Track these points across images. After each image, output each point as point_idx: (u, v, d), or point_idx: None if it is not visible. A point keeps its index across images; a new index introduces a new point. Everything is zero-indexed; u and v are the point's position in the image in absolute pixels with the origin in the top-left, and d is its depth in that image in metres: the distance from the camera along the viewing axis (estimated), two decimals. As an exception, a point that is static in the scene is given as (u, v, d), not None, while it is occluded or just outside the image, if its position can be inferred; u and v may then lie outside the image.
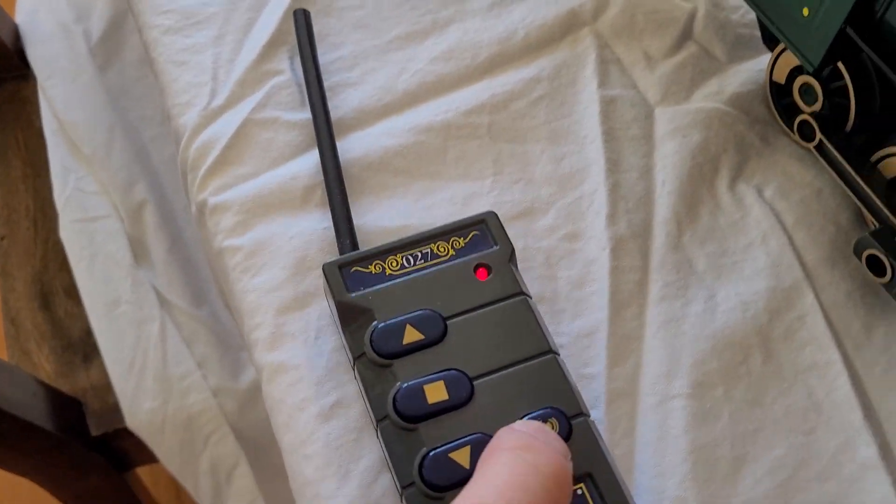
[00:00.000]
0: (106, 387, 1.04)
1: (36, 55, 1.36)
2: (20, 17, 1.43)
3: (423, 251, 0.44)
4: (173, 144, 0.57)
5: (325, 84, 0.55)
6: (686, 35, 0.59)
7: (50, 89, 1.31)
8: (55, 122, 1.29)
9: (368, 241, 0.49)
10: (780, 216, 0.52)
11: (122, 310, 1.08)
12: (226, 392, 0.98)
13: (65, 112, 1.29)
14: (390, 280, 0.43)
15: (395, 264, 0.44)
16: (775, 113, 0.55)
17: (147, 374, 1.03)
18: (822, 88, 0.50)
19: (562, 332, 0.47)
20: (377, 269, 0.44)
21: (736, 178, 0.54)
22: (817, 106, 0.51)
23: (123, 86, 1.34)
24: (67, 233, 1.16)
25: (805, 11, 0.45)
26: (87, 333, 1.09)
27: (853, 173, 0.49)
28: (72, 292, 1.14)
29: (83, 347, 1.12)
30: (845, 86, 0.49)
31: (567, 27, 0.59)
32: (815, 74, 0.48)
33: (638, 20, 0.60)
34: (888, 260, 0.46)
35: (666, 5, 0.60)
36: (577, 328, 0.48)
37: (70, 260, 1.14)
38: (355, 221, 0.49)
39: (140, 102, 1.31)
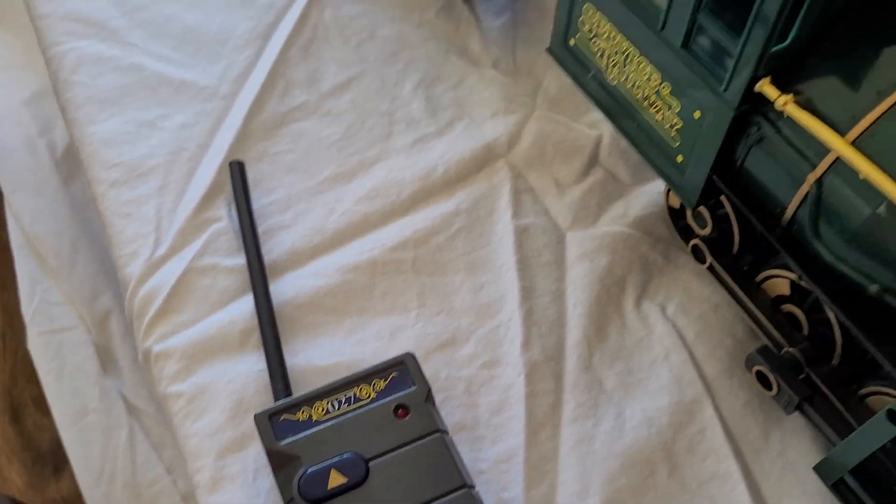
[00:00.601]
0: (76, 497, 1.05)
1: (1, 169, 1.40)
2: (-15, 132, 1.47)
3: (347, 395, 0.48)
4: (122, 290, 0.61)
5: (260, 228, 0.60)
6: (592, 161, 0.65)
7: (16, 203, 1.35)
8: (21, 236, 1.33)
9: (302, 379, 0.53)
10: (681, 332, 0.57)
11: (90, 419, 1.11)
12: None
13: (31, 225, 1.32)
14: (316, 426, 0.47)
15: (320, 410, 0.48)
16: (675, 233, 0.60)
17: (117, 482, 1.05)
18: (711, 215, 0.55)
19: (482, 458, 0.51)
20: (304, 415, 0.48)
21: (641, 296, 0.58)
22: (707, 230, 0.56)
23: (87, 197, 1.38)
24: (35, 345, 1.18)
25: (679, 158, 0.50)
26: (58, 445, 1.11)
27: (741, 292, 0.54)
28: (41, 404, 1.16)
29: (53, 459, 1.14)
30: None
31: (483, 160, 0.64)
32: (695, 210, 0.53)
33: (548, 150, 0.65)
34: (773, 375, 0.51)
35: (573, 134, 0.66)
36: (496, 453, 0.51)
37: (38, 372, 1.17)
38: (289, 361, 0.53)
39: (104, 211, 1.34)
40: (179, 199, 0.62)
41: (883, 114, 0.40)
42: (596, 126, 0.66)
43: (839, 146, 0.40)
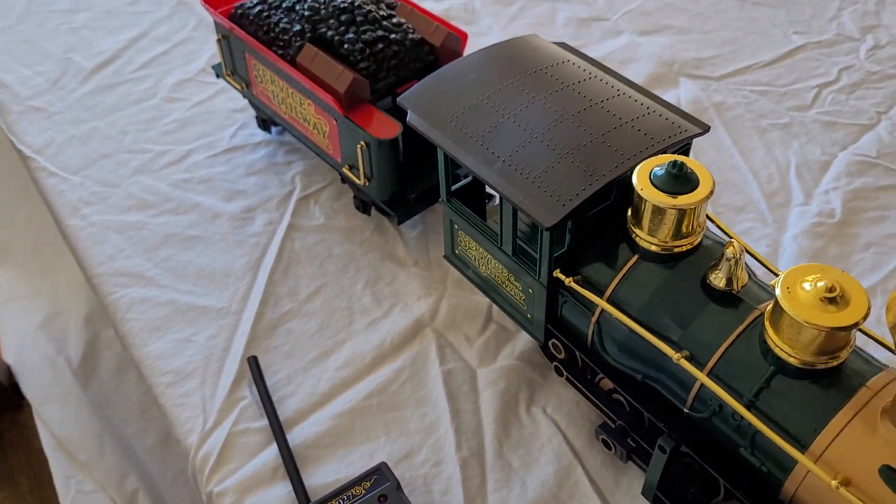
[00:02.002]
0: None
1: (29, 387, 1.67)
2: (10, 358, 1.75)
3: (347, 494, 0.77)
4: (178, 459, 0.89)
5: (274, 398, 0.90)
6: (488, 320, 0.97)
7: (45, 413, 1.61)
8: (53, 440, 1.59)
9: (316, 492, 0.82)
10: (557, 423, 0.87)
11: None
12: None
13: (60, 429, 1.59)
14: (332, 517, 0.76)
15: (332, 506, 0.77)
16: (546, 359, 0.92)
17: None
18: (563, 345, 0.87)
19: (439, 524, 0.80)
20: (322, 511, 0.76)
21: (529, 404, 0.89)
22: (562, 355, 0.87)
23: (104, 395, 1.65)
24: (76, 531, 1.42)
25: (529, 315, 0.83)
26: None
27: (587, 391, 0.85)
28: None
29: None
30: (570, 343, 0.86)
31: (416, 330, 0.96)
32: (546, 345, 0.85)
33: (458, 317, 0.97)
34: (611, 441, 0.81)
35: (473, 304, 0.98)
36: (448, 519, 0.80)
37: (81, 555, 1.40)
38: (306, 482, 0.82)
39: (120, 407, 1.61)
40: (215, 388, 0.92)
41: (620, 280, 0.73)
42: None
43: (601, 302, 0.73)
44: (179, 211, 1.12)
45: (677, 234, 0.72)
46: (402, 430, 0.88)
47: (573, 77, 0.82)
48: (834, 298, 0.62)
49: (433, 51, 1.02)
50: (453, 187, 0.85)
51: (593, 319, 0.76)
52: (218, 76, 1.20)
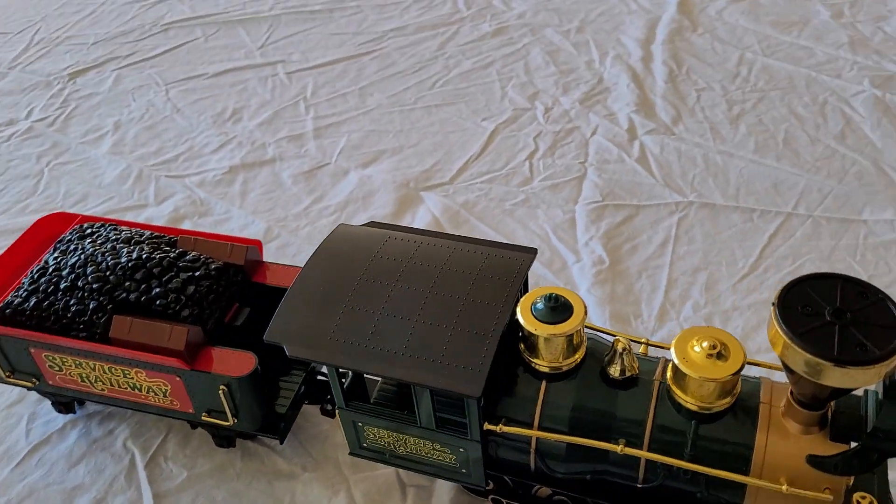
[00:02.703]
0: None
1: None
2: None
3: None
4: None
5: None
6: (403, 485, 1.01)
7: None
8: None
9: None
10: None
11: None
12: None
13: None
14: None
15: None
16: (474, 496, 0.98)
17: None
18: (497, 480, 0.94)
19: None
20: None
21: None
22: (491, 486, 0.94)
23: None
24: None
25: (464, 471, 0.89)
26: None
27: (530, 507, 0.93)
28: None
29: None
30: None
31: (346, 532, 0.97)
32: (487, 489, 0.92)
33: (376, 497, 1.00)
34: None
35: (381, 478, 1.01)
36: None
37: None
38: None
39: None
40: None
41: (541, 407, 0.82)
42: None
43: (534, 433, 0.82)
44: (24, 538, 0.99)
45: (570, 351, 0.83)
46: None
47: (406, 252, 0.90)
48: (719, 353, 0.77)
49: (239, 269, 1.03)
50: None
51: (532, 449, 0.85)
52: (-6, 381, 1.08)
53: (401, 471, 1.02)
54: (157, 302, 0.96)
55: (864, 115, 1.53)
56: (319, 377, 1.07)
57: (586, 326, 0.88)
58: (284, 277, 1.05)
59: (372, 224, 0.97)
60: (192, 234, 1.07)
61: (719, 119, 1.57)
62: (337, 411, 0.90)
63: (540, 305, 0.82)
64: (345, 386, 0.89)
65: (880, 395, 0.71)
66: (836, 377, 0.67)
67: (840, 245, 1.28)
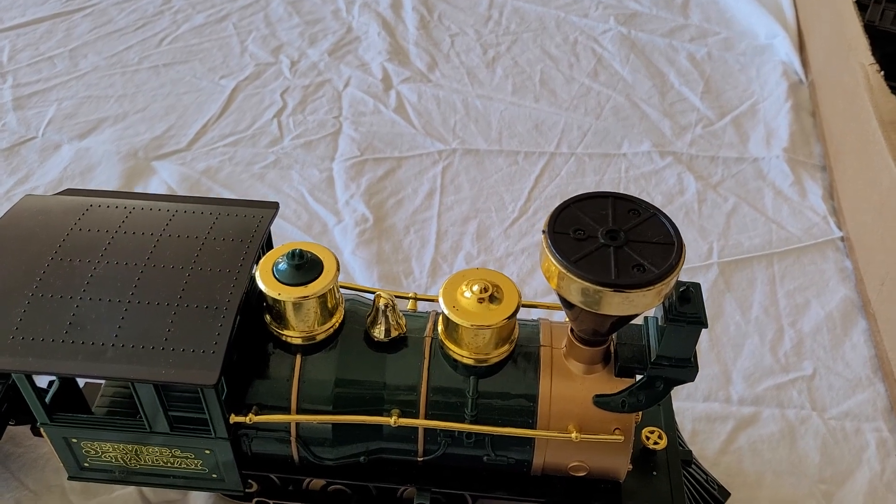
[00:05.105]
0: None
1: None
2: None
3: None
4: None
5: None
6: (146, 501, 0.84)
7: None
8: None
9: None
10: None
11: None
12: None
13: None
14: None
15: None
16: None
17: None
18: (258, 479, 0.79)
19: None
20: None
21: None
22: (255, 489, 0.80)
23: None
24: None
25: (214, 476, 0.74)
26: None
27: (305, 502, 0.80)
28: None
29: None
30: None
31: None
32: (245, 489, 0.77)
33: (115, 526, 0.82)
34: None
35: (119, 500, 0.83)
36: None
37: None
38: None
39: None
40: None
41: (298, 386, 0.69)
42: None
43: (293, 418, 0.69)
44: None
45: (325, 315, 0.70)
46: None
47: (112, 222, 0.73)
48: (492, 296, 0.68)
49: None
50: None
51: (293, 437, 0.71)
52: None
53: (144, 491, 0.85)
54: None
55: (613, 51, 1.53)
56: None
57: (342, 286, 0.75)
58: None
59: (68, 192, 0.78)
60: None
61: (475, 63, 1.50)
62: (41, 429, 0.72)
63: (283, 266, 0.68)
64: (48, 396, 0.70)
65: (661, 321, 0.65)
66: (616, 304, 0.60)
67: (604, 180, 1.26)
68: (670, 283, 0.60)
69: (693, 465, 0.84)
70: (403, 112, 1.38)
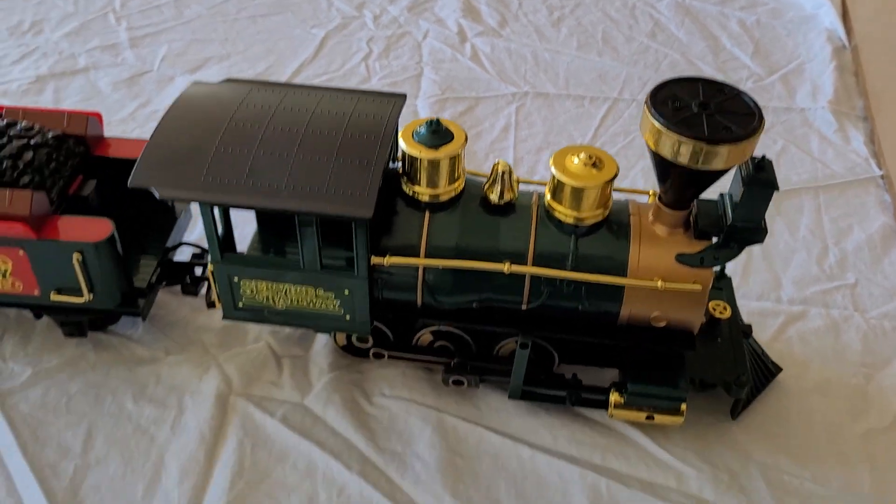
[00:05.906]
0: None
1: None
2: None
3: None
4: None
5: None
6: (277, 357, 0.97)
7: None
8: None
9: None
10: (402, 397, 0.93)
11: None
12: None
13: None
14: None
15: None
16: (352, 355, 0.97)
17: None
18: (377, 330, 0.93)
19: None
20: None
21: (370, 398, 0.94)
22: (369, 344, 0.93)
23: None
24: None
25: (347, 317, 0.87)
26: None
27: (415, 355, 0.93)
28: None
29: None
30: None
31: (223, 406, 0.92)
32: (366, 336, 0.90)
33: (249, 370, 0.95)
34: (461, 376, 0.91)
35: (253, 352, 0.97)
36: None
37: None
38: None
39: None
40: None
41: (427, 236, 0.82)
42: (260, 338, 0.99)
43: (422, 261, 0.82)
44: None
45: (451, 179, 0.83)
46: (284, 490, 0.85)
47: (272, 100, 0.87)
48: (595, 163, 0.81)
49: (80, 140, 0.94)
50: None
51: (419, 281, 0.84)
52: None
53: (273, 343, 0.98)
54: (-10, 169, 0.86)
55: (669, 16, 1.66)
56: (175, 259, 1.01)
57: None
58: (131, 150, 0.97)
59: (229, 80, 0.92)
60: (15, 108, 0.96)
61: (542, 23, 1.64)
62: (210, 269, 0.85)
63: (422, 130, 0.82)
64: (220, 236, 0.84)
65: (742, 184, 0.77)
66: (706, 157, 0.72)
67: (663, 122, 1.38)
68: (754, 142, 0.73)
69: (752, 339, 0.96)
70: (478, 60, 1.51)
